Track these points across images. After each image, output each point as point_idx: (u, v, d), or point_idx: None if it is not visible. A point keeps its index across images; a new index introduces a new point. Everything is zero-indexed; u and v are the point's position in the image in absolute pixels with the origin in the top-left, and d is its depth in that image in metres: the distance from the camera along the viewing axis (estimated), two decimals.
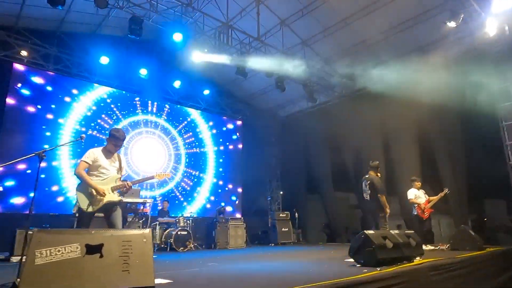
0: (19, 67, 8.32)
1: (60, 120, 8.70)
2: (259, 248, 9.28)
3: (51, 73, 8.78)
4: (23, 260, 2.33)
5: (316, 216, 11.74)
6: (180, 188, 10.66)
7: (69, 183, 8.40)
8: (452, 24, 7.05)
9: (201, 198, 11.11)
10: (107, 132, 8.60)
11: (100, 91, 9.58)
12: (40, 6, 7.34)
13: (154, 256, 2.66)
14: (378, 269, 3.71)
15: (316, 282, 2.82)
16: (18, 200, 7.73)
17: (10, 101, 8.06)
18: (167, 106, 10.94)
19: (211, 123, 11.97)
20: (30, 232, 2.27)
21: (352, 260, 4.38)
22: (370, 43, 9.11)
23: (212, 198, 11.33)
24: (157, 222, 8.42)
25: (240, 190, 12.14)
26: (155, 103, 10.64)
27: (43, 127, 8.41)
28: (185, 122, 11.31)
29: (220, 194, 11.60)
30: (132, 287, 2.28)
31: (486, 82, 7.56)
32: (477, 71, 7.38)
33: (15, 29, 8.26)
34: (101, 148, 4.08)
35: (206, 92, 11.32)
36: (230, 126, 12.61)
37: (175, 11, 8.03)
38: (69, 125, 8.83)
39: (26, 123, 8.17)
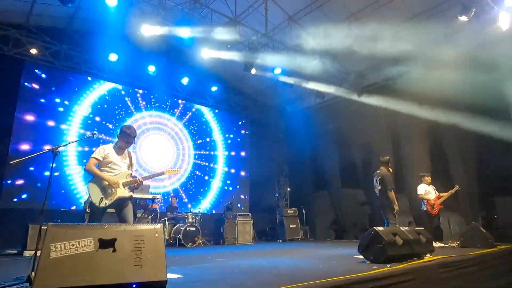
0: (29, 64, 8.41)
1: (70, 118, 8.79)
2: (267, 245, 9.31)
3: (61, 70, 8.86)
4: (38, 254, 2.37)
5: (324, 212, 11.72)
6: (188, 185, 10.71)
7: (78, 179, 8.51)
8: (464, 18, 6.92)
9: (210, 194, 11.16)
10: (107, 127, 8.74)
11: (109, 88, 9.66)
12: (50, 4, 7.40)
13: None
14: (388, 265, 3.69)
15: (327, 278, 2.83)
16: (25, 196, 7.82)
17: (20, 98, 8.15)
18: (175, 102, 10.99)
19: (219, 120, 11.99)
20: (44, 227, 2.30)
21: (361, 256, 4.37)
22: (380, 38, 9.00)
23: (224, 188, 11.39)
24: (166, 218, 8.49)
25: (247, 186, 12.16)
26: (163, 100, 10.69)
27: (54, 124, 8.51)
28: (194, 119, 11.33)
29: (227, 190, 11.64)
30: (144, 281, 2.30)
31: (498, 77, 7.43)
32: (489, 66, 7.25)
33: (26, 27, 8.35)
34: (112, 144, 4.14)
35: (214, 88, 11.33)
36: (238, 122, 12.61)
37: (183, 7, 8.04)
38: (78, 122, 8.92)
39: (37, 120, 8.26)
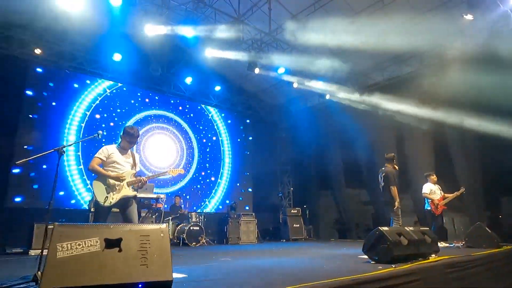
0: (33, 64, 8.44)
1: (74, 118, 8.82)
2: (271, 244, 9.30)
3: (65, 70, 8.89)
4: (45, 253, 2.38)
5: (327, 212, 11.70)
6: (193, 185, 10.72)
7: (78, 179, 8.55)
8: (469, 17, 6.88)
9: (215, 194, 11.17)
10: (111, 127, 8.75)
11: (113, 88, 9.68)
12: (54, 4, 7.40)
13: None
14: (393, 266, 3.67)
15: (332, 278, 2.81)
16: (30, 195, 7.84)
17: (25, 97, 8.19)
18: (179, 102, 11.00)
19: (222, 119, 11.99)
20: (50, 226, 2.30)
21: (366, 256, 4.35)
22: (384, 37, 8.95)
23: (229, 187, 11.39)
24: (170, 218, 8.51)
25: (251, 186, 12.16)
26: (167, 99, 10.71)
27: (58, 123, 8.54)
28: (197, 119, 11.35)
29: (231, 189, 11.64)
30: (150, 280, 2.30)
31: (504, 75, 7.37)
32: (495, 64, 7.20)
33: (30, 27, 8.36)
34: (115, 145, 4.15)
35: (218, 88, 11.33)
36: (241, 121, 12.61)
37: (187, 7, 8.04)
38: (82, 122, 8.95)
39: (42, 120, 8.29)
